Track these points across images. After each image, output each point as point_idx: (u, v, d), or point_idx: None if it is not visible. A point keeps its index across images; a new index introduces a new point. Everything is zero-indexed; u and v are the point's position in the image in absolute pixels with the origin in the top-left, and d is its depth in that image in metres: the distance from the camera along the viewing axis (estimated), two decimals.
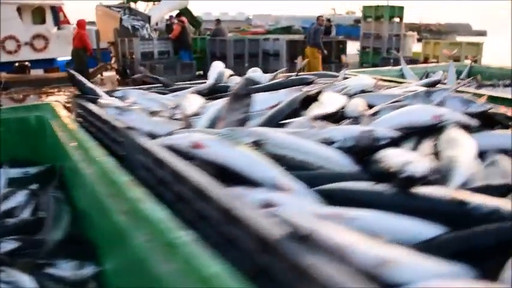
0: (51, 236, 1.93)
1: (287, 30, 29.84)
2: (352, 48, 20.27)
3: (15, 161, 2.87)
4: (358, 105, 1.90)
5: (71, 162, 2.04)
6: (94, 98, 2.53)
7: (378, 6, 19.21)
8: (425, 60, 15.94)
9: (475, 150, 1.48)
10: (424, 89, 2.35)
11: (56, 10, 17.79)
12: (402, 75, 4.48)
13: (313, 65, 11.93)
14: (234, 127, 1.62)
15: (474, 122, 1.81)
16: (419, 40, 22.56)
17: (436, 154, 1.46)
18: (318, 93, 2.05)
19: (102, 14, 17.09)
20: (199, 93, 2.50)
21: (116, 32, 16.02)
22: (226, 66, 11.88)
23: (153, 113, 1.93)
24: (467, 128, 1.75)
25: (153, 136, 1.79)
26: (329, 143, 1.51)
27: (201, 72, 15.16)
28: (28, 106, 3.07)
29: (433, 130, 1.68)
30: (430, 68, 4.90)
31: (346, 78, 3.40)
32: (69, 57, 14.67)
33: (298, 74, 3.02)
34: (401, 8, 19.10)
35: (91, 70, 15.25)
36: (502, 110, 2.14)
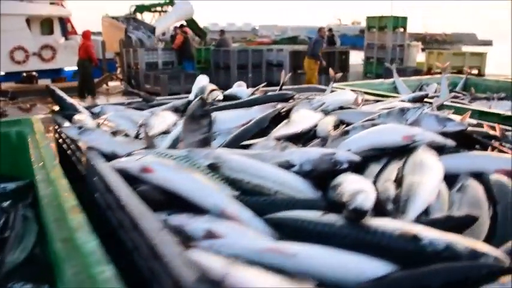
0: (11, 257, 1.85)
1: (293, 40, 29.79)
2: (358, 58, 20.17)
3: None
4: (327, 124, 1.80)
5: (35, 180, 1.96)
6: (70, 115, 2.46)
7: (382, 16, 19.12)
8: (429, 71, 15.80)
9: (440, 175, 1.37)
10: (403, 104, 2.25)
11: (63, 21, 17.90)
12: (395, 88, 4.37)
13: (309, 77, 11.85)
14: (192, 148, 1.53)
15: (449, 142, 1.70)
16: (423, 50, 22.44)
17: (400, 179, 1.36)
18: (290, 110, 1.96)
19: (108, 25, 17.15)
20: (177, 109, 2.42)
21: (122, 42, 16.06)
22: (230, 77, 11.95)
23: (115, 133, 1.85)
24: (441, 148, 1.64)
25: (113, 156, 1.71)
26: (288, 166, 1.42)
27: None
28: (9, 121, 2.99)
29: (404, 151, 1.58)
30: (424, 80, 4.78)
31: (333, 91, 3.32)
32: (76, 67, 14.72)
33: (282, 88, 2.93)
34: (404, 19, 18.99)
35: (96, 80, 15.28)
36: (486, 127, 2.03)
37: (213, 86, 2.89)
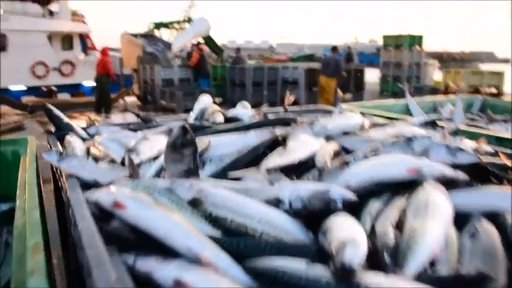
0: None
1: (309, 58, 29.72)
2: (374, 76, 19.98)
3: None
4: (326, 153, 1.63)
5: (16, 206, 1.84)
6: (63, 135, 2.35)
7: (398, 35, 18.94)
8: (446, 89, 15.51)
9: (449, 219, 1.19)
10: (412, 130, 2.08)
11: (83, 37, 18.15)
12: (408, 109, 4.19)
13: (327, 95, 11.60)
14: (175, 179, 1.39)
15: (461, 176, 1.52)
16: (440, 68, 22.13)
17: (402, 222, 1.18)
18: (287, 136, 1.80)
19: (127, 42, 17.31)
20: (171, 132, 2.27)
21: (139, 59, 16.14)
22: (246, 94, 11.80)
23: (99, 159, 1.71)
24: (451, 183, 1.46)
25: (95, 184, 1.57)
26: (277, 203, 1.26)
27: (221, 99, 15.05)
28: (6, 140, 2.92)
29: (409, 186, 1.41)
30: (439, 101, 4.58)
31: (341, 113, 3.15)
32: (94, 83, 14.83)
33: (286, 109, 2.78)
34: (420, 37, 18.79)
35: (113, 95, 15.34)
36: (503, 158, 1.84)
37: (215, 107, 2.75)
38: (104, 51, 14.35)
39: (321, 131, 2.01)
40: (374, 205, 1.33)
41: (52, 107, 2.55)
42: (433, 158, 1.59)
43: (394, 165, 1.46)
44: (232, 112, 2.66)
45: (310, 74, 14.23)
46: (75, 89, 17.55)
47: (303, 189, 1.26)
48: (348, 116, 2.32)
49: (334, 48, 12.22)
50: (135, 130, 2.51)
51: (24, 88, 16.25)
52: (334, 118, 2.27)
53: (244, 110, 2.64)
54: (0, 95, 14.14)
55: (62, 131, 2.47)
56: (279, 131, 1.96)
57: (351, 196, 1.27)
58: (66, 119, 2.54)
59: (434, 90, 15.40)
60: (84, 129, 2.55)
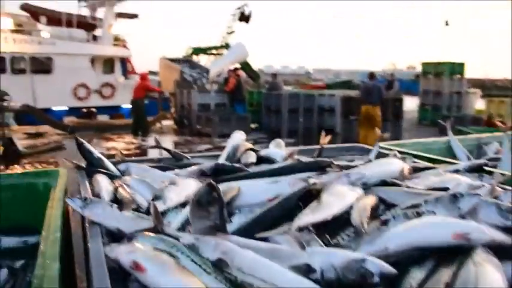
0: None
1: (346, 84, 29.52)
2: (413, 104, 19.60)
3: (18, 228, 2.69)
4: (363, 210, 1.52)
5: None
6: (95, 171, 2.32)
7: (438, 62, 18.55)
8: (489, 120, 15.01)
9: None
10: (458, 180, 1.94)
11: (124, 61, 18.69)
12: (450, 148, 4.00)
13: (375, 123, 11.25)
14: (200, 236, 1.30)
15: None
16: (483, 97, 21.50)
17: None
18: (323, 186, 1.70)
19: (165, 66, 17.70)
20: (203, 173, 2.20)
21: (176, 83, 16.41)
22: (281, 121, 11.74)
23: (123, 206, 1.66)
24: (504, 250, 1.32)
25: (118, 234, 1.51)
26: (308, 271, 1.15)
27: (256, 125, 15.06)
28: (38, 172, 2.91)
29: (455, 253, 1.28)
30: (483, 139, 4.36)
31: (379, 154, 3.03)
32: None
33: (322, 148, 2.68)
34: (461, 65, 18.33)
35: (150, 119, 15.58)
36: None
37: (248, 145, 2.67)
38: (143, 77, 14.64)
39: (358, 179, 1.89)
40: (415, 275, 1.20)
41: (83, 141, 2.54)
42: (482, 219, 1.45)
43: (438, 229, 1.33)
44: (265, 152, 2.57)
45: (346, 101, 14.08)
46: (114, 111, 18.01)
47: (336, 257, 1.15)
48: (387, 161, 2.19)
49: (372, 75, 12.02)
50: (165, 168, 2.46)
51: (66, 109, 16.78)
52: (372, 164, 2.15)
53: (277, 150, 2.55)
54: (43, 114, 14.61)
55: (92, 166, 2.44)
56: (313, 179, 1.85)
57: (390, 270, 1.15)
58: (97, 154, 2.51)
59: (476, 121, 14.91)
60: (114, 164, 2.51)
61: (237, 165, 2.27)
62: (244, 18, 21.42)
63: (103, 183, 2.05)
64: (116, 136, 14.18)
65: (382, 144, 3.23)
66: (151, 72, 22.45)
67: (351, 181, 1.89)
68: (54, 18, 17.63)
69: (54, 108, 16.40)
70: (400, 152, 2.82)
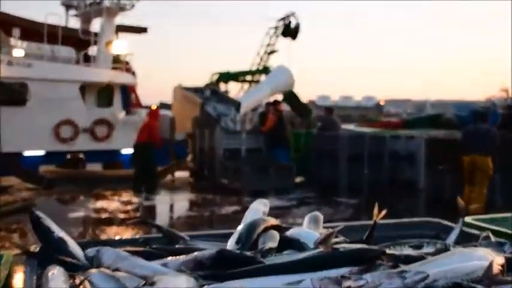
0: None
1: (434, 120, 29.14)
2: None
3: None
4: None
5: None
6: (50, 259, 2.29)
7: None
8: None
9: None
10: None
11: (126, 90, 19.00)
12: None
13: (482, 183, 10.88)
14: None
15: None
16: None
17: None
18: None
19: (181, 98, 17.91)
20: (200, 264, 2.14)
21: (196, 120, 16.60)
22: (338, 172, 11.64)
23: None
24: None
25: None
26: None
27: (303, 179, 14.99)
28: None
29: None
30: None
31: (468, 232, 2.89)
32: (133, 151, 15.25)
33: (375, 224, 2.58)
34: None
35: (160, 169, 15.73)
36: None
37: (270, 221, 2.59)
38: (153, 114, 14.74)
39: (418, 282, 1.79)
40: None
41: (41, 215, 2.51)
42: None
43: None
44: (291, 233, 2.49)
45: (433, 146, 13.86)
46: (110, 157, 18.20)
47: None
48: (468, 253, 2.07)
49: (483, 115, 11.61)
50: (151, 255, 2.41)
51: (43, 154, 16.99)
52: (444, 257, 2.03)
53: (308, 231, 2.47)
54: (11, 162, 14.88)
55: (48, 251, 2.41)
56: (350, 280, 1.76)
57: None
58: (58, 233, 2.48)
59: None
60: (81, 246, 2.48)
61: (249, 253, 2.20)
62: (290, 32, 21.73)
63: (55, 280, 2.01)
64: (111, 192, 14.36)
65: (474, 218, 3.09)
66: (163, 105, 22.85)
67: (406, 284, 1.79)
68: (32, 31, 17.65)
69: (27, 153, 16.46)
70: (496, 233, 2.68)
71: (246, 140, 15.30)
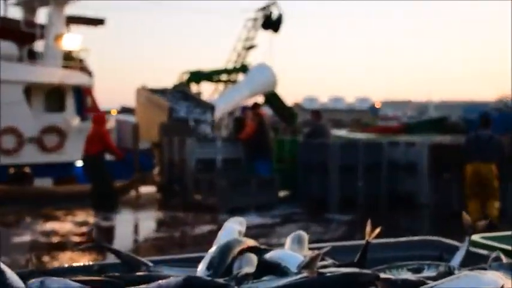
0: None
1: (438, 124, 29.41)
2: None
3: None
4: None
5: None
6: None
7: None
8: None
9: None
10: None
11: (81, 93, 18.89)
12: None
13: (491, 191, 11.03)
14: None
15: None
16: None
17: None
18: None
19: (146, 101, 17.79)
20: None
21: (163, 127, 16.52)
22: (328, 186, 11.81)
23: None
24: None
25: None
26: None
27: (287, 193, 14.99)
28: None
29: None
30: None
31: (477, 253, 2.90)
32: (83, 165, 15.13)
33: (368, 245, 2.57)
34: None
35: (120, 184, 15.62)
36: None
37: (247, 242, 2.58)
38: (99, 119, 14.40)
39: None
40: None
41: None
42: None
43: None
44: (273, 255, 2.49)
45: (437, 153, 13.94)
46: (62, 171, 18.04)
47: None
48: (474, 277, 2.08)
49: (487, 121, 11.85)
50: (106, 286, 2.38)
51: None
52: (446, 282, 2.05)
53: (290, 254, 2.47)
54: None
55: None
56: None
57: None
58: None
59: None
60: (21, 277, 2.45)
61: (221, 280, 2.19)
62: (272, 24, 21.79)
63: None
64: (63, 212, 14.27)
65: (482, 236, 3.10)
66: (125, 109, 22.72)
67: None
68: None
69: None
70: (508, 253, 2.70)
71: (221, 148, 15.29)
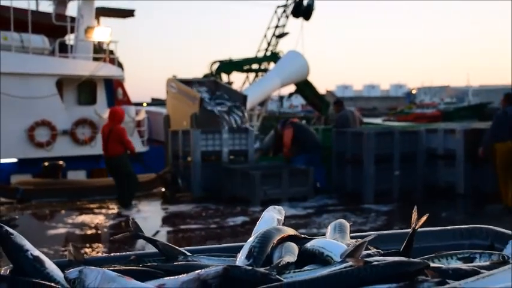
0: None
1: (480, 110, 29.05)
2: None
3: None
4: None
5: None
6: (21, 283, 2.24)
7: None
8: None
9: None
10: None
11: (112, 85, 19.01)
12: None
13: None
14: None
15: None
16: None
17: None
18: None
19: (176, 93, 17.76)
20: (205, 284, 2.10)
21: (194, 119, 16.46)
22: (362, 176, 11.68)
23: None
24: None
25: None
26: None
27: (318, 185, 14.86)
28: None
29: None
30: None
31: None
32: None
33: (414, 233, 2.52)
34: None
35: (149, 176, 15.54)
36: None
37: (287, 231, 2.54)
38: (116, 115, 13.70)
39: None
40: None
41: (11, 231, 2.47)
42: None
43: None
44: (315, 244, 2.44)
45: (474, 139, 13.67)
46: (95, 164, 18.14)
47: None
48: None
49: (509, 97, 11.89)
50: (146, 274, 2.37)
51: (15, 162, 17.01)
52: (499, 271, 1.98)
53: (334, 243, 2.42)
54: None
55: (21, 274, 2.37)
56: None
57: None
58: (31, 252, 2.43)
59: None
60: (60, 267, 2.44)
61: (262, 269, 2.15)
62: (302, 11, 21.68)
63: None
64: (96, 205, 14.35)
65: None
66: (155, 101, 22.75)
67: None
68: None
69: None
70: None
71: (254, 140, 15.30)
